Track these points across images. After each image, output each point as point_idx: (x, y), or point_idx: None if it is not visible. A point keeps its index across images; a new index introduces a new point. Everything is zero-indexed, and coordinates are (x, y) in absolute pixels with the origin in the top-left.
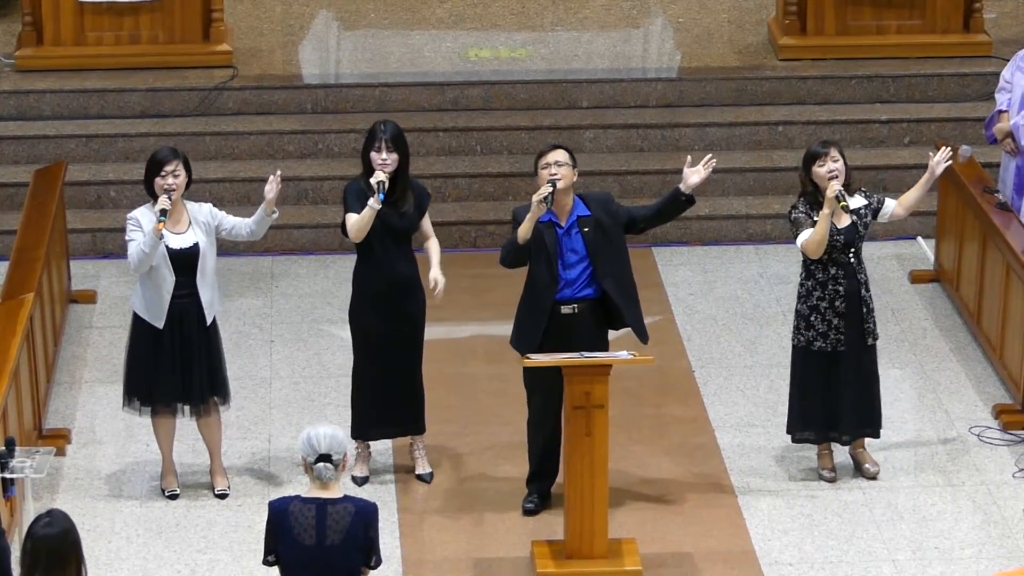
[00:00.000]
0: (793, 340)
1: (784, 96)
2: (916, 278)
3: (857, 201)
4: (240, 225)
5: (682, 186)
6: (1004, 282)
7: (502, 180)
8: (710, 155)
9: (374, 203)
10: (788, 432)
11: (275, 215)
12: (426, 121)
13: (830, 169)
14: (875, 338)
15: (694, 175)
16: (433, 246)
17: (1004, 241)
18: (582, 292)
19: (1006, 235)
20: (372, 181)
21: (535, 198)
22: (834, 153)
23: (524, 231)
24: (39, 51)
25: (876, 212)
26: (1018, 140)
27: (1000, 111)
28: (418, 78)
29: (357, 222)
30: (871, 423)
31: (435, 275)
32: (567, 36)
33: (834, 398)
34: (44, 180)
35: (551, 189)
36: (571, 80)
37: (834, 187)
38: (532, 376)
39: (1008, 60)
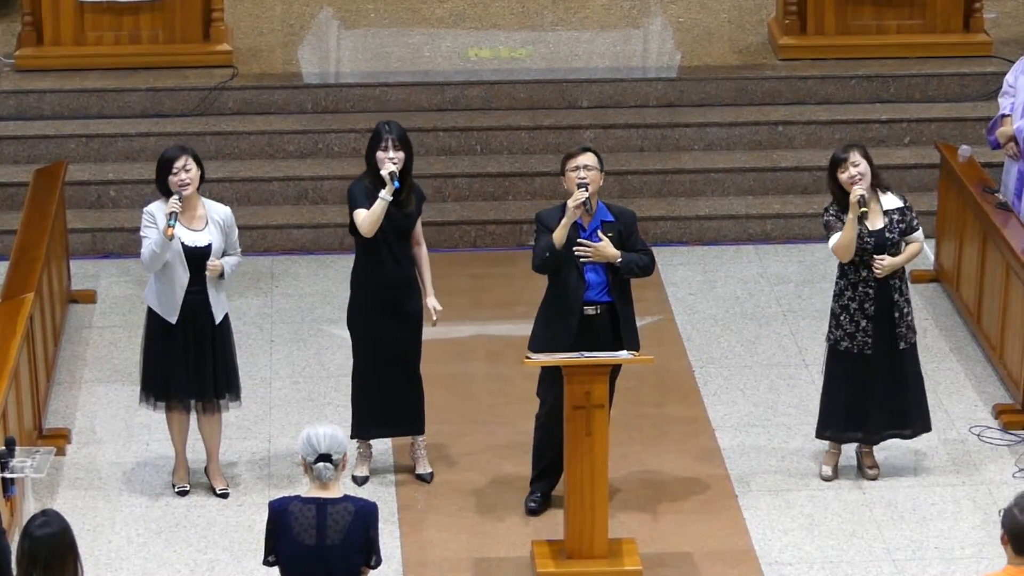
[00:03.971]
0: (826, 337)
1: (784, 96)
2: (916, 278)
3: (891, 201)
4: (230, 257)
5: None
6: (1004, 282)
7: (502, 180)
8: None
9: (386, 195)
10: (817, 430)
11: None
12: (426, 121)
13: (851, 175)
14: (908, 343)
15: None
16: (423, 258)
17: (1004, 241)
18: (602, 297)
19: (1006, 235)
20: (384, 173)
21: (571, 203)
22: (854, 157)
23: (560, 236)
24: (39, 51)
25: (905, 232)
26: (1022, 144)
27: (1003, 115)
28: (418, 78)
29: (369, 216)
30: (901, 424)
31: (433, 304)
32: (567, 36)
33: (860, 399)
34: (44, 180)
35: (586, 194)
36: (571, 80)
37: (856, 192)
38: (548, 379)
39: (1008, 60)
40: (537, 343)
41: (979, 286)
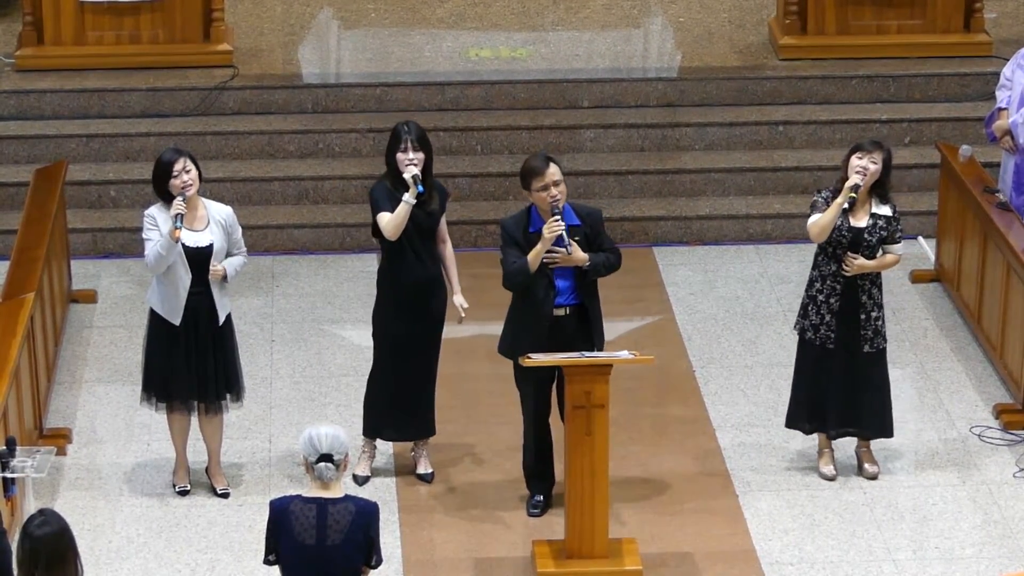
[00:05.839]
0: (795, 325)
1: (784, 96)
2: (917, 278)
3: (883, 210)
4: (235, 258)
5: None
6: (1004, 282)
7: (502, 180)
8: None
9: (410, 198)
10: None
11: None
12: (426, 121)
13: (863, 166)
14: (874, 346)
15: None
16: (449, 256)
17: (1004, 241)
18: (571, 300)
19: (1006, 235)
20: (407, 177)
21: (547, 233)
22: (875, 155)
23: (535, 262)
24: (39, 51)
25: (887, 239)
26: (1016, 138)
27: (1000, 108)
28: (418, 78)
29: (393, 219)
30: (855, 424)
31: (460, 301)
32: (567, 36)
33: (821, 392)
34: (44, 180)
35: (563, 226)
36: (571, 80)
37: (854, 179)
38: (521, 378)
39: (1008, 59)
40: (506, 349)
41: (979, 286)
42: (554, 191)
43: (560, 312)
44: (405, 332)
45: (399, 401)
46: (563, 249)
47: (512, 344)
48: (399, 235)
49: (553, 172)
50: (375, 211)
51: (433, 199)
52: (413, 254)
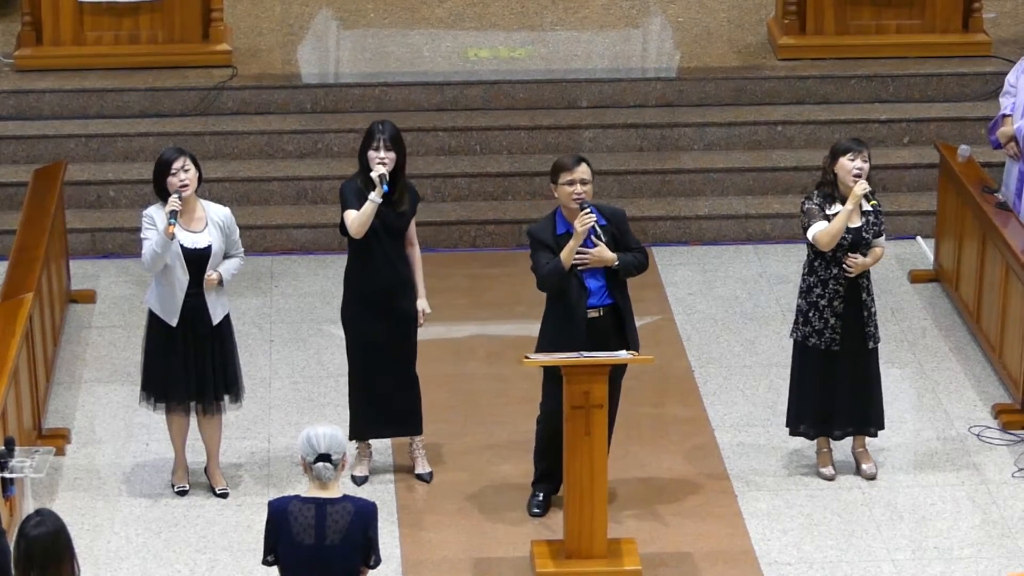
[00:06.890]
0: (792, 334)
1: (784, 96)
2: (916, 278)
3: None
4: (231, 260)
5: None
6: (1003, 282)
7: (502, 180)
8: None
9: (376, 197)
10: (787, 426)
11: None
12: (426, 121)
13: (859, 167)
14: (876, 341)
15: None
16: (416, 259)
17: (1003, 241)
18: (604, 300)
19: (1005, 235)
20: (373, 175)
21: (579, 227)
22: (865, 153)
23: (569, 259)
24: (39, 51)
25: (877, 234)
26: (1021, 144)
27: (1004, 115)
28: (418, 78)
29: (358, 217)
30: (865, 423)
31: (423, 306)
32: (567, 36)
33: (828, 396)
34: (44, 180)
35: (594, 218)
36: (571, 80)
37: (864, 185)
38: (545, 378)
39: (1007, 60)
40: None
41: (978, 286)
42: (579, 187)
43: (595, 314)
44: (375, 333)
45: (380, 401)
46: (591, 252)
47: (549, 347)
48: (364, 233)
49: (582, 170)
50: (343, 208)
51: (404, 199)
52: (381, 254)
